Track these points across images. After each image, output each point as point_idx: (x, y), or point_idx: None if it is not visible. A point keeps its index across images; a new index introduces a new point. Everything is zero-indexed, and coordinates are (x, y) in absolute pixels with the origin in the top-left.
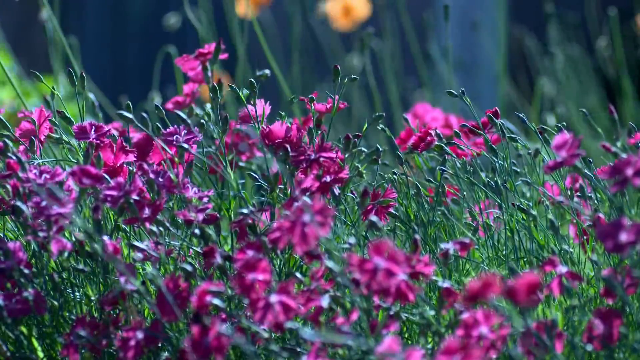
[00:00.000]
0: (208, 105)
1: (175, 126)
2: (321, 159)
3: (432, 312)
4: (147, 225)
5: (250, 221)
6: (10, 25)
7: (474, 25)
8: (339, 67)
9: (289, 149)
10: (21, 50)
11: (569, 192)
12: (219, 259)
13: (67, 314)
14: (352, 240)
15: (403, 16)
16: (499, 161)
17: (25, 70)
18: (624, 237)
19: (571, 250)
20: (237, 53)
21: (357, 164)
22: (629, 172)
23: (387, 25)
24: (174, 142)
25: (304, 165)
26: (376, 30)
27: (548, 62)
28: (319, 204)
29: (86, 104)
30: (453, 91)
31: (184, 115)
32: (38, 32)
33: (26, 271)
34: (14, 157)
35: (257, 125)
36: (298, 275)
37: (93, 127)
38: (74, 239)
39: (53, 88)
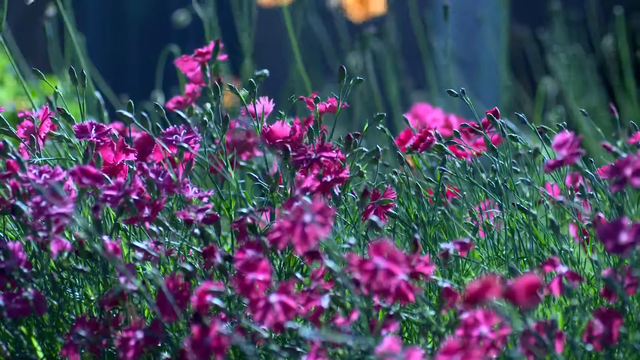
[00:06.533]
0: (208, 105)
1: (175, 126)
2: (322, 159)
3: (432, 312)
4: (147, 225)
5: (250, 221)
6: (10, 25)
7: (475, 25)
8: (344, 67)
9: (290, 149)
10: (22, 50)
11: (569, 192)
12: (218, 259)
13: (67, 314)
14: (352, 240)
15: (403, 16)
16: (499, 161)
17: (27, 69)
18: (624, 237)
19: (571, 250)
20: (244, 51)
21: (357, 164)
22: (628, 171)
23: (388, 25)
24: (174, 142)
25: (305, 165)
26: (377, 30)
27: (550, 61)
28: (319, 204)
29: (92, 102)
30: (453, 90)
31: (184, 115)
32: (38, 32)
33: (26, 271)
34: (14, 157)
35: (257, 124)
36: (298, 275)
37: (94, 126)
38: (73, 239)
39: (56, 87)
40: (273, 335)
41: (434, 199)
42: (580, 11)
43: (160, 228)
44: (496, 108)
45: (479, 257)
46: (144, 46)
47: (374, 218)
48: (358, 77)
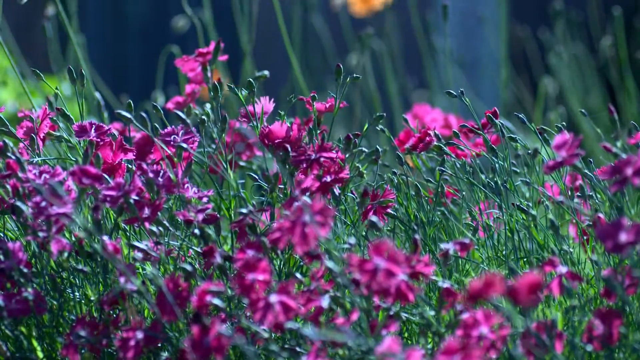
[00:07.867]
0: (208, 105)
1: (173, 126)
2: (321, 159)
3: (432, 312)
4: (147, 225)
5: (250, 221)
6: (10, 25)
7: (475, 24)
8: (341, 65)
9: (289, 149)
10: (22, 50)
11: (569, 192)
12: (218, 259)
13: (67, 314)
14: (352, 240)
15: (403, 16)
16: (499, 161)
17: (27, 69)
18: (623, 237)
19: (571, 250)
20: (244, 52)
21: (357, 164)
22: (629, 171)
23: (388, 25)
24: (172, 142)
25: (304, 165)
26: (376, 30)
27: (550, 61)
28: (319, 204)
29: (92, 103)
30: (452, 91)
31: (183, 115)
32: (38, 32)
33: (26, 271)
34: (14, 157)
35: (257, 125)
36: (298, 275)
37: (93, 126)
38: (73, 239)
39: (56, 88)
40: (273, 335)
41: (434, 200)
42: (581, 11)
43: (160, 228)
44: (495, 108)
45: (479, 258)
46: (144, 46)
47: (374, 218)
48: (355, 74)
